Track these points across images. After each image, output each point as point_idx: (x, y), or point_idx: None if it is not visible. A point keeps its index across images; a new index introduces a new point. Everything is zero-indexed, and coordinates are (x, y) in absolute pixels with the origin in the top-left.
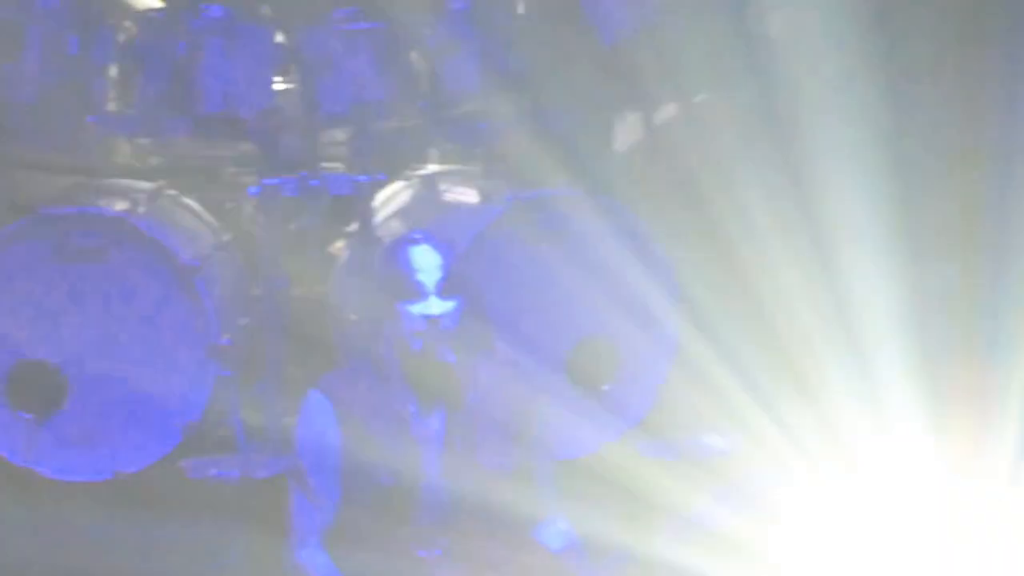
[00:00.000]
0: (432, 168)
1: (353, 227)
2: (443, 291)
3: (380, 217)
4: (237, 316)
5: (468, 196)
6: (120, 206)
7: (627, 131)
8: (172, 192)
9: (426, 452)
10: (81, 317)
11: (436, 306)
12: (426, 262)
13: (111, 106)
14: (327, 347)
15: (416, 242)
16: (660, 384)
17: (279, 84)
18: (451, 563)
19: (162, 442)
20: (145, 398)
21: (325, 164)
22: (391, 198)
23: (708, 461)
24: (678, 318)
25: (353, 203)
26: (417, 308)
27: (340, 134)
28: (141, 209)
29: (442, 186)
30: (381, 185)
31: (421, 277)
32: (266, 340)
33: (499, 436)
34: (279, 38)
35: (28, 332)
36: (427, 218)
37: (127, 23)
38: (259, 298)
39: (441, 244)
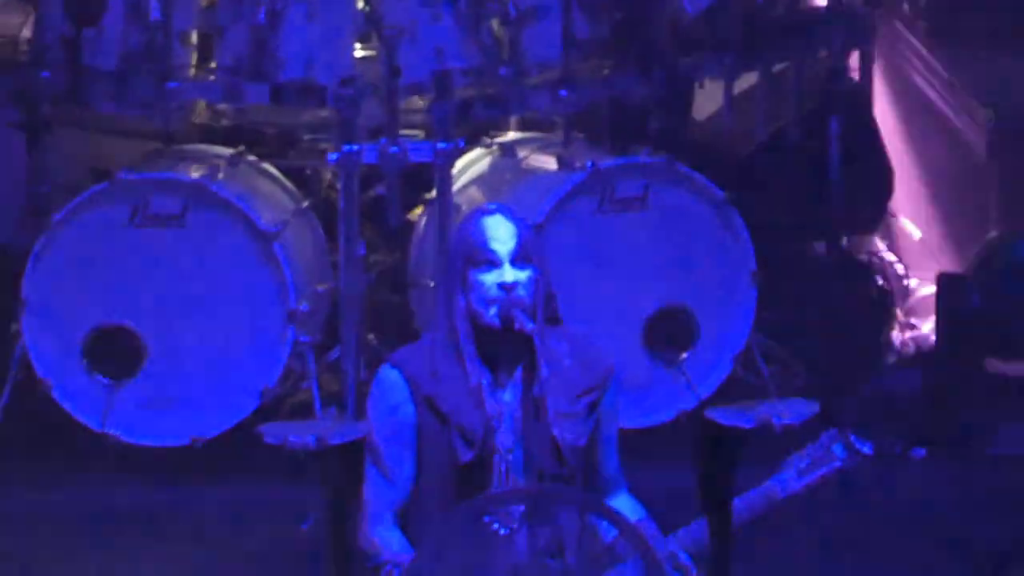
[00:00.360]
0: (512, 135)
1: (432, 194)
2: (517, 260)
3: (459, 184)
4: (315, 282)
5: (547, 163)
6: (199, 172)
7: (707, 99)
8: (251, 158)
9: (500, 426)
10: (159, 282)
11: (510, 274)
12: (499, 231)
13: (191, 72)
14: (404, 313)
15: (490, 213)
16: (738, 352)
17: (359, 51)
18: (526, 538)
19: (239, 407)
20: (222, 363)
21: (405, 131)
22: (470, 165)
23: (785, 429)
24: (755, 286)
25: (432, 170)
26: (491, 277)
27: (420, 101)
28: (220, 175)
29: (521, 153)
30: (460, 152)
31: (495, 246)
32: (344, 306)
33: (574, 408)
34: (360, 4)
35: (106, 297)
36: (506, 185)
37: None
38: (337, 264)
39: (515, 216)
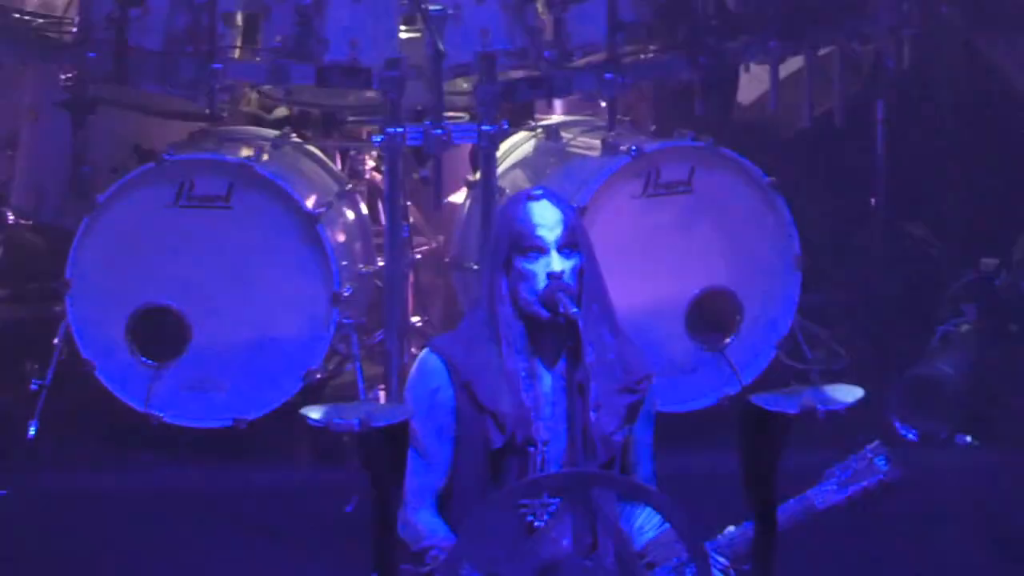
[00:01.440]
0: (556, 118)
1: (476, 177)
2: (563, 247)
3: (503, 167)
4: (359, 264)
5: (592, 147)
6: (244, 153)
7: (752, 83)
8: (296, 140)
9: (537, 416)
10: (204, 263)
11: (557, 262)
12: (546, 217)
13: (236, 53)
14: (448, 296)
15: (536, 198)
16: (781, 337)
17: (404, 32)
18: (561, 528)
19: (282, 389)
20: (266, 345)
21: (449, 113)
22: (514, 148)
23: (831, 415)
24: (800, 271)
25: (476, 152)
26: (539, 266)
27: (464, 83)
28: (265, 156)
29: (566, 136)
30: (505, 135)
31: (542, 232)
32: (387, 288)
33: (612, 402)
34: None
35: (150, 277)
36: (550, 168)
37: None
38: (381, 246)
39: (561, 201)
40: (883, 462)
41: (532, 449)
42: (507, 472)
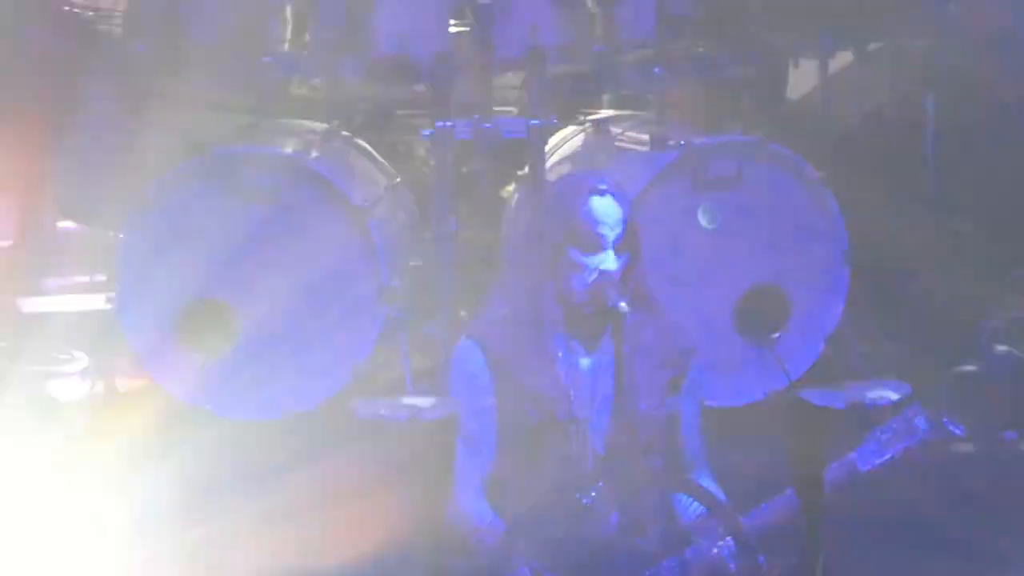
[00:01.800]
0: (605, 113)
1: (524, 171)
2: (620, 246)
3: (552, 161)
4: (408, 258)
5: (640, 142)
6: (293, 146)
7: (802, 78)
8: (345, 133)
9: (576, 394)
10: (252, 257)
11: (611, 261)
12: (609, 215)
13: (287, 47)
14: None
15: (602, 193)
16: (829, 333)
17: (454, 27)
18: (605, 506)
19: (331, 382)
20: (315, 338)
21: (498, 107)
22: (563, 142)
23: (877, 411)
24: (848, 266)
25: (525, 147)
26: (594, 261)
27: (514, 78)
28: (314, 150)
29: (615, 131)
30: (554, 129)
31: (603, 230)
32: (436, 282)
33: (651, 380)
34: None
35: (199, 271)
36: (599, 163)
37: None
38: (430, 240)
39: (624, 196)
40: (923, 422)
41: (573, 428)
42: (546, 448)
